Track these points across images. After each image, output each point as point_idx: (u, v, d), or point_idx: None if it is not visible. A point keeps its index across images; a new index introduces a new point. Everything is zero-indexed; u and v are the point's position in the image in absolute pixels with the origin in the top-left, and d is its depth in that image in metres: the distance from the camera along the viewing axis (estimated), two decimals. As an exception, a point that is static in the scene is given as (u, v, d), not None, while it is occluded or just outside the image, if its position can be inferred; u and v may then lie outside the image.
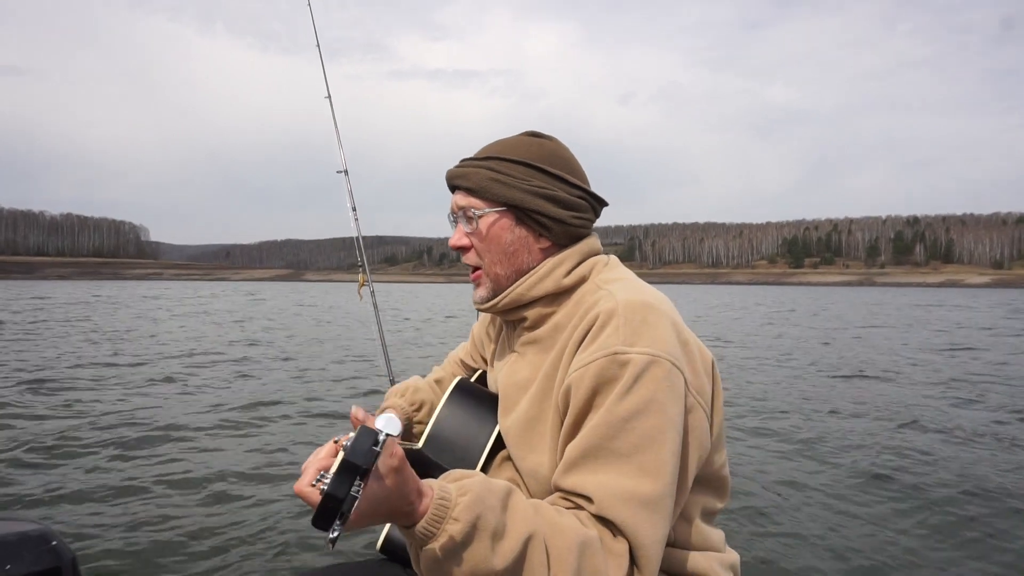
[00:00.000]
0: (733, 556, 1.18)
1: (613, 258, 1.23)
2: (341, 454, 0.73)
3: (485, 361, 1.51)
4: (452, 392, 1.33)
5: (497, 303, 1.16)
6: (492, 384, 1.34)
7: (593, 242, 1.19)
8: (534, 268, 1.14)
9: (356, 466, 0.71)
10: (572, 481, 0.94)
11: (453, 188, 1.18)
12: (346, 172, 2.61)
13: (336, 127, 2.61)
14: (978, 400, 7.54)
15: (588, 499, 0.92)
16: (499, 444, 1.22)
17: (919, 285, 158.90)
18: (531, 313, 1.15)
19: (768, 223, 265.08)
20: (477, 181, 1.12)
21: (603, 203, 1.22)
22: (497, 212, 1.12)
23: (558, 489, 0.97)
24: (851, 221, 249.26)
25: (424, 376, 1.55)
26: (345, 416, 6.06)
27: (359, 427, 0.75)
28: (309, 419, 6.10)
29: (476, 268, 1.18)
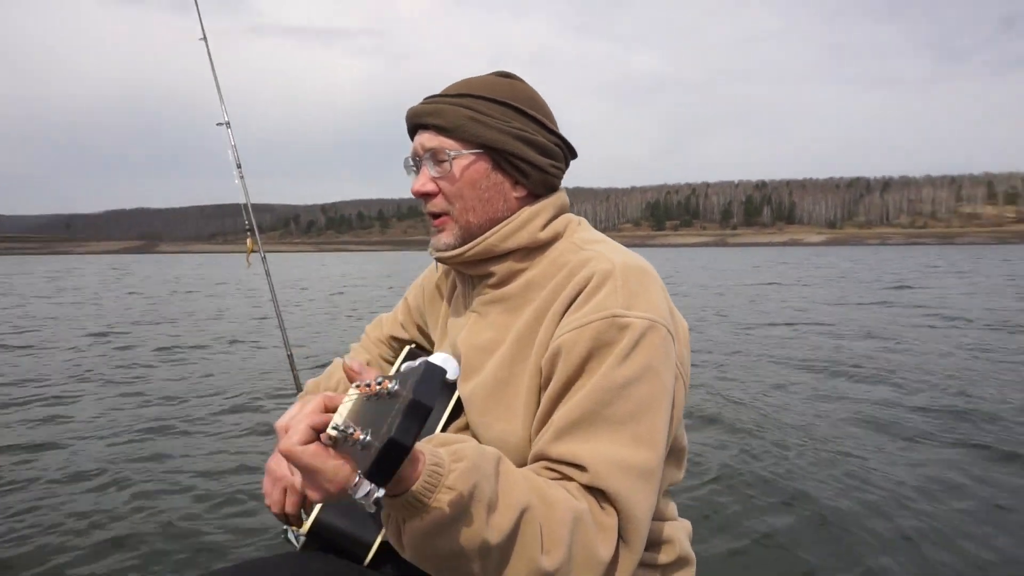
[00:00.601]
0: (687, 524, 1.18)
1: (584, 219, 1.13)
2: (405, 395, 0.60)
3: (423, 332, 1.36)
4: (405, 360, 1.22)
5: (464, 252, 1.04)
6: (443, 351, 1.23)
7: (565, 196, 1.10)
8: (509, 217, 1.04)
9: (427, 409, 0.60)
10: (563, 449, 0.87)
11: (417, 128, 1.05)
12: (228, 124, 2.32)
13: (214, 72, 2.31)
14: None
15: (581, 468, 0.85)
16: (456, 413, 1.11)
17: (767, 244, 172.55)
18: (500, 268, 1.05)
19: (633, 188, 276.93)
20: (453, 120, 1.00)
21: (575, 154, 1.13)
22: (474, 154, 1.01)
23: (544, 458, 0.89)
24: (708, 185, 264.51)
25: (343, 358, 1.39)
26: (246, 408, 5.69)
27: (422, 362, 0.64)
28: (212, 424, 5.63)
29: (441, 216, 1.05)
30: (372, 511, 0.62)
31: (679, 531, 1.10)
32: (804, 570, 2.63)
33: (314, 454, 0.65)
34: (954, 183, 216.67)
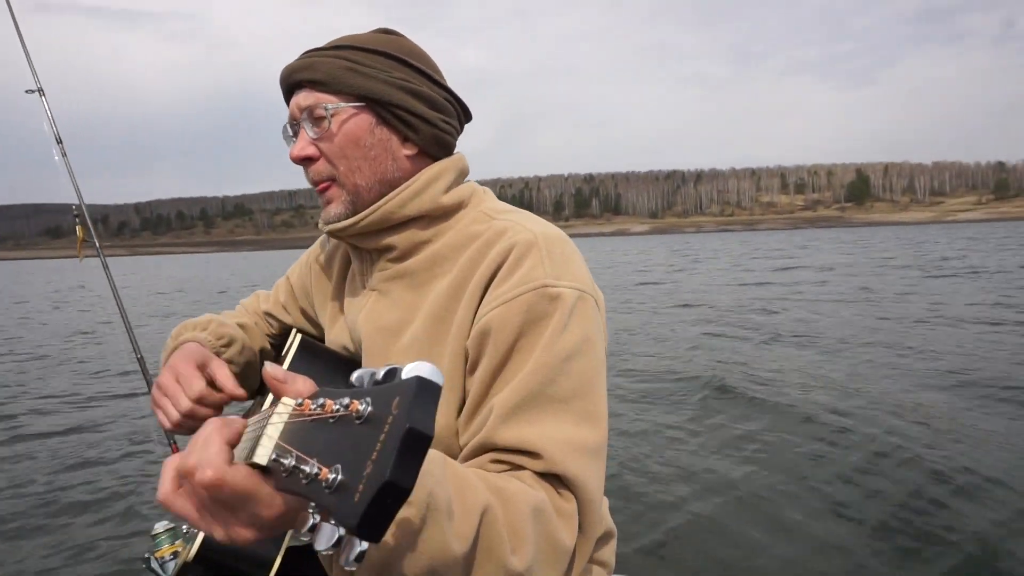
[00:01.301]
0: (606, 498, 1.13)
1: (489, 189, 1.05)
2: (394, 421, 0.42)
3: (308, 316, 1.20)
4: (299, 350, 1.03)
5: (357, 222, 0.92)
6: (337, 337, 1.08)
7: (464, 160, 1.01)
8: (405, 180, 0.94)
9: (428, 440, 0.43)
10: (509, 436, 0.78)
11: (292, 88, 0.94)
12: (41, 91, 1.95)
13: (19, 32, 1.93)
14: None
15: (533, 455, 0.77)
16: None
17: (597, 235, 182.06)
18: (400, 239, 0.94)
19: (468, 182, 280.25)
20: (328, 71, 0.90)
21: (469, 115, 1.04)
22: (354, 107, 0.90)
23: (491, 448, 0.80)
24: (540, 179, 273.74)
25: (221, 315, 1.18)
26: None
27: (414, 379, 0.44)
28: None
29: (326, 182, 0.94)
30: (351, 569, 0.45)
31: (604, 504, 1.05)
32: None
33: (248, 475, 0.50)
34: (755, 175, 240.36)
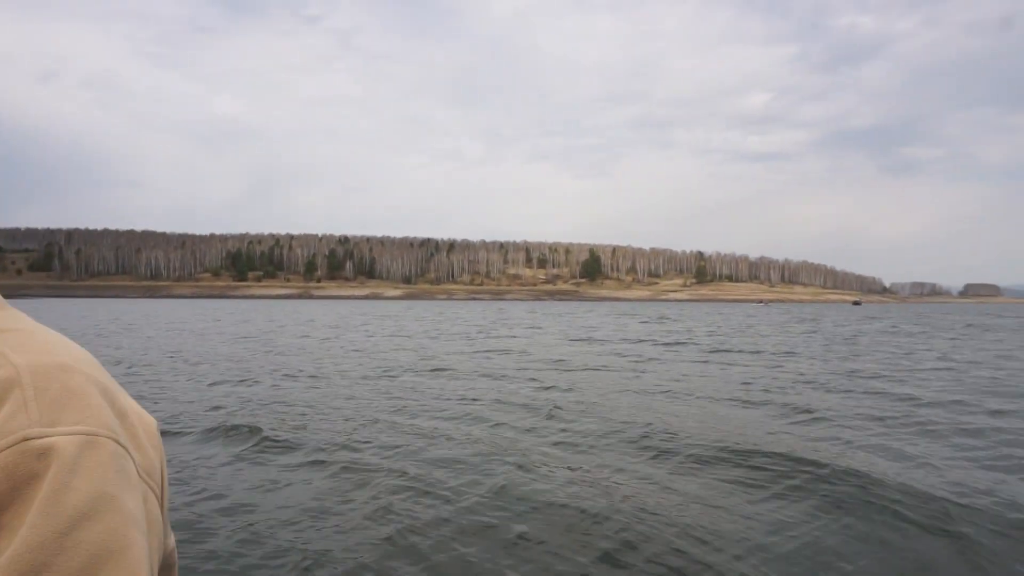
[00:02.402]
0: None
1: None
2: None
3: None
4: None
5: None
6: None
7: None
8: None
9: None
10: None
11: None
12: None
13: None
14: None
15: None
16: None
17: (349, 297, 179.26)
18: None
19: (213, 235, 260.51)
20: None
21: None
22: None
23: None
24: (292, 237, 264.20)
25: None
26: None
27: None
28: None
29: None
30: None
31: None
32: None
33: None
34: (502, 248, 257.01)
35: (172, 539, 0.82)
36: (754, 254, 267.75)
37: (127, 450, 0.68)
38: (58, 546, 0.58)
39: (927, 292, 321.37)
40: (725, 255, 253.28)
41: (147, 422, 0.77)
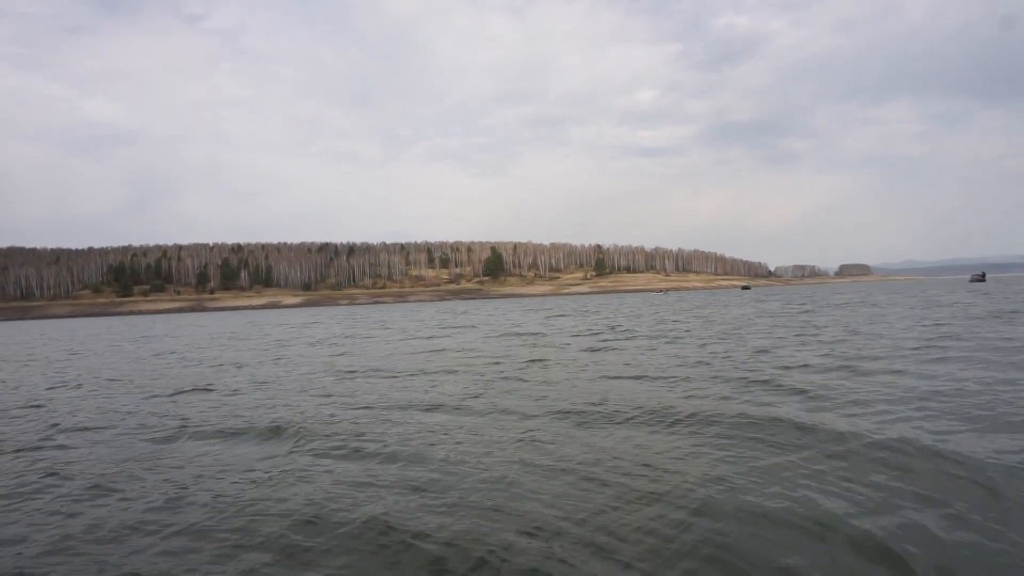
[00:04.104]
0: None
1: None
2: None
3: None
4: None
5: None
6: None
7: None
8: None
9: None
10: None
11: None
12: None
13: None
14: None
15: None
16: None
17: (247, 308, 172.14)
18: None
19: (91, 248, 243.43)
20: None
21: None
22: None
23: None
24: (180, 247, 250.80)
25: None
26: None
27: None
28: None
29: None
30: None
31: None
32: None
33: None
34: (404, 249, 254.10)
35: None
36: (649, 245, 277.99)
37: None
38: None
39: (808, 274, 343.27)
40: (622, 247, 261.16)
41: None
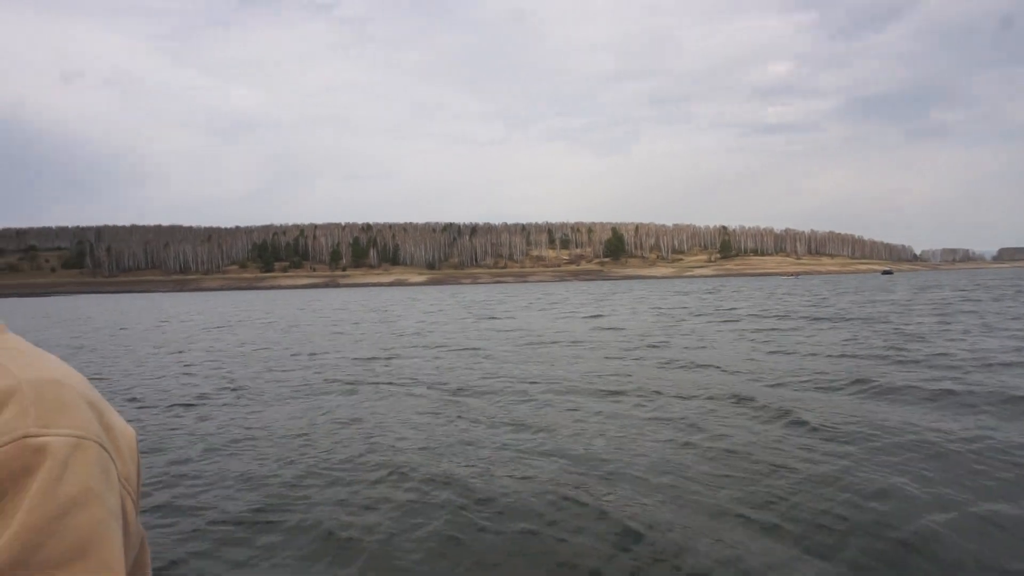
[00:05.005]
0: None
1: None
2: None
3: None
4: None
5: None
6: None
7: None
8: None
9: None
10: None
11: None
12: None
13: None
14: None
15: None
16: None
17: (375, 285, 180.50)
18: None
19: (238, 227, 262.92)
20: None
21: None
22: None
23: None
24: (316, 227, 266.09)
25: None
26: None
27: None
28: None
29: None
30: None
31: None
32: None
33: None
34: (524, 230, 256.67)
35: (145, 544, 0.88)
36: (779, 226, 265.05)
37: (111, 456, 0.77)
38: (52, 530, 0.67)
39: (959, 258, 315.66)
40: (749, 228, 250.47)
41: (128, 435, 0.85)
